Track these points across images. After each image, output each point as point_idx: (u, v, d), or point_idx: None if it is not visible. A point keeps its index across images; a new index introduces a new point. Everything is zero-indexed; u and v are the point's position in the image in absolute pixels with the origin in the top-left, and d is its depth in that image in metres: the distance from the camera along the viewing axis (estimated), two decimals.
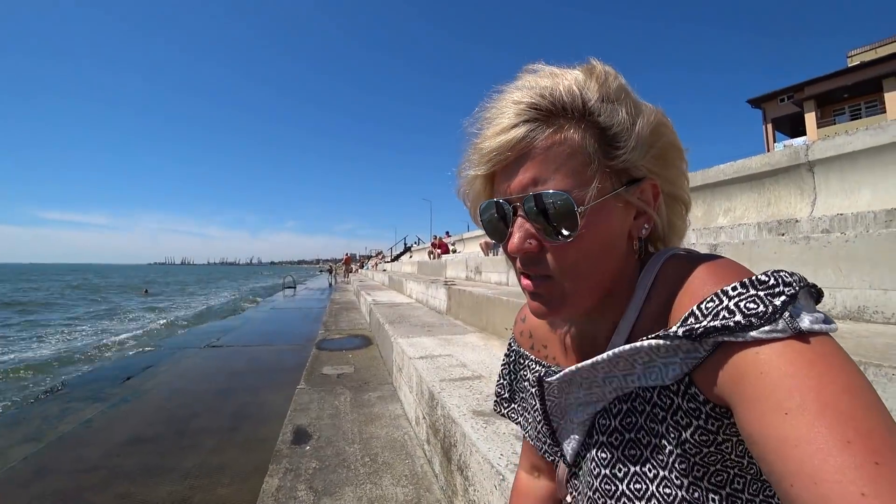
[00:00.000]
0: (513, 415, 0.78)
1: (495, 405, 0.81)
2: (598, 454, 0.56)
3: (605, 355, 0.50)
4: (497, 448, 1.72)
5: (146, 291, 35.27)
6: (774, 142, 28.13)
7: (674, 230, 0.60)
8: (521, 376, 0.75)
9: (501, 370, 0.80)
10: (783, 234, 3.32)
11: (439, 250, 17.24)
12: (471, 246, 15.23)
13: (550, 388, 0.61)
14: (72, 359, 8.39)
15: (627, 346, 0.47)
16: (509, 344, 0.80)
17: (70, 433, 3.94)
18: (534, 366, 0.71)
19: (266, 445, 3.17)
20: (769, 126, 30.05)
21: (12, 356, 9.35)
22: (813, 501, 0.32)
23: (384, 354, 5.49)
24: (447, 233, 20.70)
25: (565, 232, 0.49)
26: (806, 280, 0.43)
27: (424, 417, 2.81)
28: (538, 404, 0.65)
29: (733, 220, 4.18)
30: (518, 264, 0.55)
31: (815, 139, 4.00)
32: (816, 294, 0.44)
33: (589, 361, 0.52)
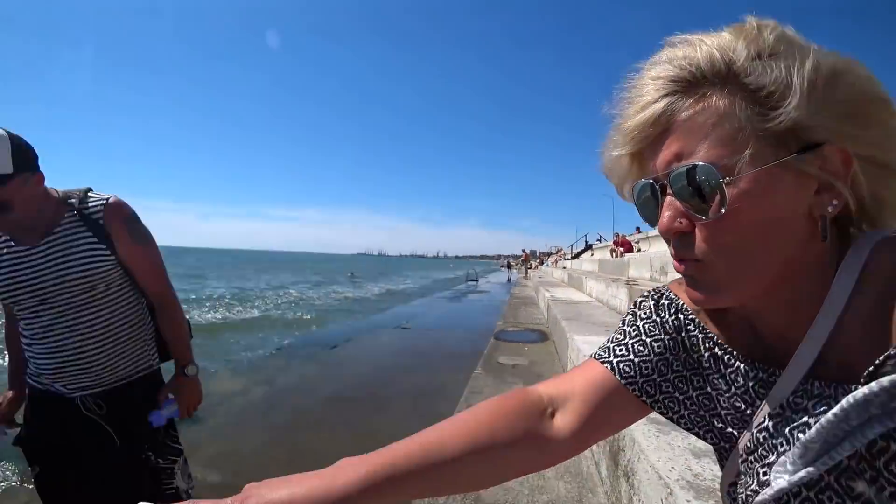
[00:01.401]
0: (648, 388, 0.60)
1: (610, 355, 0.63)
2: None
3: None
4: (669, 460, 1.59)
5: (352, 274, 41.12)
6: None
7: (886, 206, 0.46)
8: (698, 364, 0.60)
9: (641, 327, 0.64)
10: None
11: (622, 248, 16.29)
12: (657, 244, 14.05)
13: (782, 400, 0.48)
14: (296, 324, 10.15)
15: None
16: (659, 293, 0.66)
17: (292, 383, 4.86)
18: (716, 350, 0.58)
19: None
20: None
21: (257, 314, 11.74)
22: None
23: (559, 350, 5.43)
24: (637, 229, 19.27)
25: (713, 208, 0.43)
26: None
27: None
28: (733, 401, 0.55)
29: None
30: (671, 248, 0.50)
31: None
32: None
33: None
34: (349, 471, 0.51)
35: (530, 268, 37.28)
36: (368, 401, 4.23)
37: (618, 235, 18.96)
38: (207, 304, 16.29)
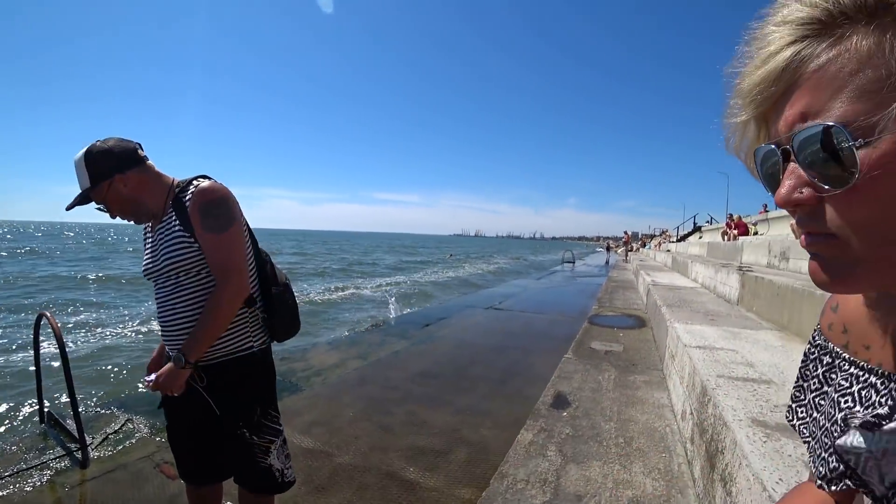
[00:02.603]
0: (804, 430, 0.58)
1: (788, 412, 0.63)
2: None
3: None
4: (776, 471, 1.40)
5: (451, 256, 42.48)
6: None
7: None
8: (828, 382, 0.56)
9: (800, 371, 0.62)
10: None
11: (735, 231, 14.81)
12: (777, 227, 12.58)
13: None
14: (392, 302, 10.57)
15: None
16: (812, 337, 0.60)
17: (384, 359, 5.01)
18: (848, 367, 0.52)
19: (528, 403, 3.36)
20: None
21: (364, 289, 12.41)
22: None
23: (657, 338, 5.11)
24: (765, 206, 17.25)
25: (841, 178, 0.35)
26: None
27: (692, 413, 2.50)
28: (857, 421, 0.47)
29: None
30: (795, 222, 0.42)
31: None
32: None
33: None
34: None
35: (631, 250, 35.47)
36: (455, 379, 4.26)
37: (731, 217, 17.31)
38: (313, 280, 17.52)
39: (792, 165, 0.39)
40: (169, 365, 1.46)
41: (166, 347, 1.61)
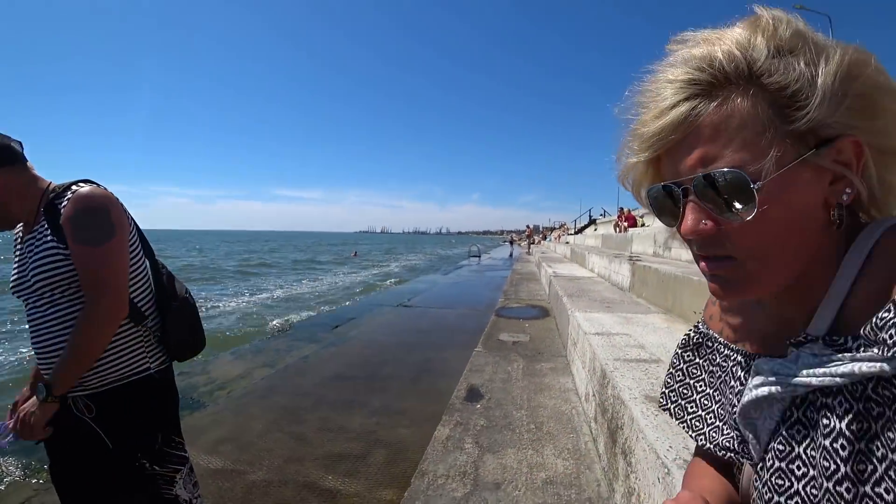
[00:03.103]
0: (679, 412, 0.69)
1: (662, 397, 0.73)
2: (787, 450, 0.48)
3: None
4: (667, 439, 1.57)
5: (355, 254, 41.15)
6: None
7: (893, 191, 0.47)
8: (708, 360, 0.68)
9: (673, 359, 0.72)
10: None
11: (626, 223, 16.15)
12: None
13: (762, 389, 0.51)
14: (297, 305, 10.19)
15: (867, 370, 0.40)
16: (696, 326, 0.72)
17: (292, 365, 4.84)
18: (722, 349, 0.64)
19: (442, 398, 3.43)
20: None
21: (262, 296, 11.79)
22: None
23: (560, 327, 5.43)
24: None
25: (743, 211, 0.43)
26: None
27: (594, 395, 2.71)
28: (737, 397, 0.57)
29: None
30: (694, 248, 0.50)
31: None
32: None
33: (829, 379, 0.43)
34: None
35: (533, 243, 37.24)
36: (369, 380, 4.23)
37: (622, 210, 18.79)
38: (209, 286, 16.39)
39: (692, 202, 0.46)
40: (32, 400, 1.28)
41: (43, 375, 1.39)
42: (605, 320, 3.79)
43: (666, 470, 1.39)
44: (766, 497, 0.48)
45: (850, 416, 0.41)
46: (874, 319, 0.39)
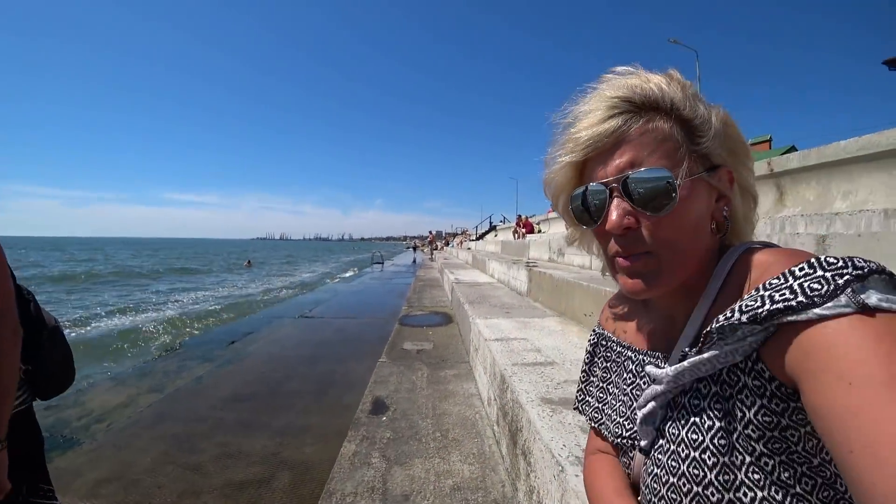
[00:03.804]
0: (585, 408, 0.79)
1: (576, 400, 0.84)
2: (669, 433, 0.58)
3: (704, 356, 0.51)
4: (560, 438, 1.70)
5: (248, 263, 38.46)
6: None
7: (747, 222, 0.63)
8: (603, 358, 0.78)
9: (584, 362, 0.83)
10: None
11: (524, 230, 16.99)
12: (556, 226, 14.84)
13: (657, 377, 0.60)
14: (187, 321, 9.42)
15: (707, 355, 0.50)
16: (594, 329, 0.83)
17: (184, 387, 4.45)
18: (615, 347, 0.75)
19: (348, 412, 3.36)
20: None
21: (150, 314, 10.72)
22: (871, 467, 0.34)
23: (463, 333, 5.57)
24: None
25: (664, 206, 0.53)
26: (885, 269, 0.43)
27: (495, 399, 2.83)
28: (630, 389, 0.69)
29: (854, 206, 3.67)
30: (612, 245, 0.58)
31: None
32: None
33: (693, 361, 0.52)
34: None
35: (436, 249, 37.71)
36: (270, 398, 4.02)
37: (520, 217, 19.70)
38: (74, 303, 14.63)
39: (618, 200, 0.55)
40: None
41: None
42: (505, 325, 3.97)
43: (560, 468, 1.50)
44: (663, 479, 0.56)
45: (713, 398, 0.52)
46: (722, 319, 0.48)
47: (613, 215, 0.55)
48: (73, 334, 8.58)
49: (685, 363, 0.52)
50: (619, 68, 0.59)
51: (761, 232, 3.34)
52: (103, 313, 11.74)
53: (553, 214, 16.72)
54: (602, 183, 0.56)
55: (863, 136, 3.71)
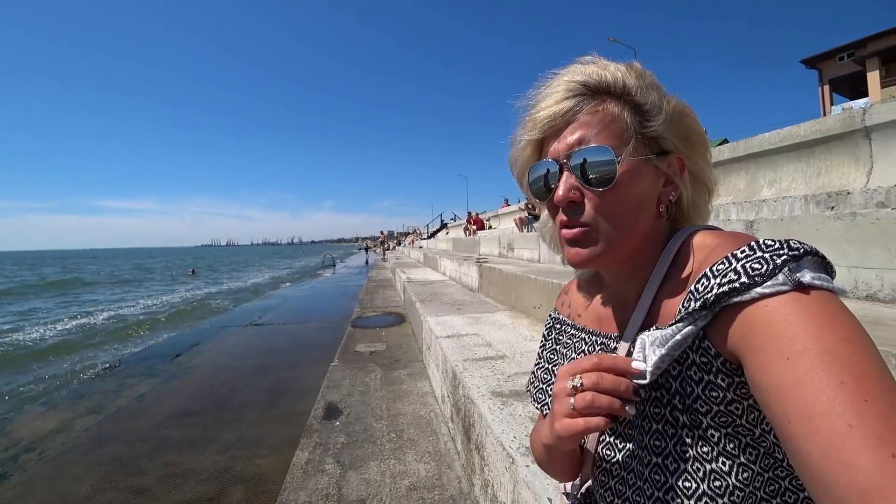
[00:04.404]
0: (540, 395, 0.80)
1: (528, 385, 0.88)
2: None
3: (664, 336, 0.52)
4: (511, 431, 1.71)
5: (193, 272, 36.87)
6: (832, 105, 26.05)
7: (697, 210, 0.66)
8: (554, 340, 0.82)
9: (539, 346, 0.85)
10: (833, 208, 3.11)
11: (475, 226, 17.15)
12: (506, 222, 15.09)
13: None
14: (128, 335, 8.91)
15: (671, 344, 0.51)
16: (549, 314, 0.86)
17: (125, 406, 4.19)
18: (569, 330, 0.78)
19: (301, 420, 3.28)
20: (826, 88, 27.79)
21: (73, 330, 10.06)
22: (806, 435, 0.37)
23: (416, 332, 5.56)
24: (506, 201, 20.63)
25: (605, 182, 0.57)
26: (818, 252, 0.47)
27: (448, 396, 2.84)
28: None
29: (778, 193, 3.94)
30: (560, 216, 0.61)
31: (879, 100, 3.68)
32: (829, 268, 0.48)
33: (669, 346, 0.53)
34: None
35: (388, 249, 37.47)
36: (219, 411, 3.86)
37: (470, 214, 19.86)
38: None
39: (567, 174, 0.59)
40: None
41: None
42: (456, 322, 3.99)
43: (511, 460, 1.52)
44: (621, 447, 0.62)
45: (666, 375, 0.55)
46: (682, 310, 0.51)
47: (561, 189, 0.59)
48: None
49: (662, 350, 0.53)
50: (585, 58, 0.63)
51: None
52: (27, 326, 10.93)
53: (503, 210, 16.97)
54: (554, 159, 0.60)
55: (783, 129, 3.97)
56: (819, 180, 3.66)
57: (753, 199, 4.00)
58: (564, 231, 0.61)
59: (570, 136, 0.59)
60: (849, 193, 3.04)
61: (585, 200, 0.59)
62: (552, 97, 0.60)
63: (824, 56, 27.90)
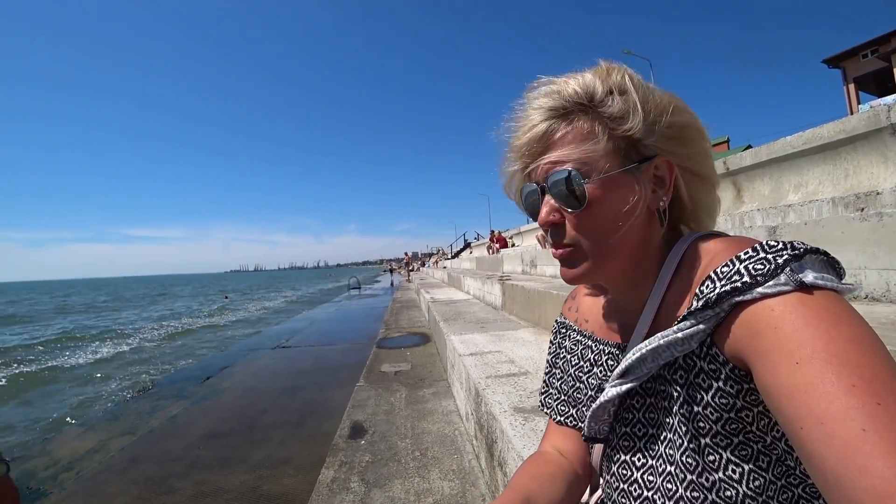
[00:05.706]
0: (549, 401, 0.81)
1: (539, 395, 0.85)
2: (623, 419, 0.62)
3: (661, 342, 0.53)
4: (532, 445, 1.70)
5: (226, 297, 37.90)
6: (858, 103, 25.28)
7: (701, 207, 0.64)
8: (564, 348, 0.81)
9: (548, 353, 0.86)
10: (862, 209, 3.02)
11: (497, 245, 17.11)
12: (528, 239, 15.00)
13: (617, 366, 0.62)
14: (161, 359, 9.13)
15: (669, 339, 0.51)
16: (556, 319, 0.86)
17: (158, 427, 4.30)
18: (575, 335, 0.79)
19: (327, 440, 3.30)
20: (851, 87, 27.01)
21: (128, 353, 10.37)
22: (820, 440, 0.36)
23: (440, 351, 5.54)
24: (529, 220, 20.63)
25: (576, 204, 0.58)
26: (822, 251, 0.47)
27: (472, 413, 2.82)
28: (586, 378, 0.73)
29: (805, 197, 3.84)
30: (549, 237, 0.63)
31: None
32: (836, 266, 0.48)
33: (653, 346, 0.54)
34: None
35: (412, 270, 37.64)
36: (248, 432, 3.92)
37: (493, 232, 19.85)
38: (40, 348, 14.06)
39: (547, 198, 0.60)
40: None
41: None
42: (479, 340, 3.97)
43: None
44: (629, 458, 0.61)
45: (673, 384, 0.54)
46: (684, 309, 0.52)
47: (543, 213, 0.61)
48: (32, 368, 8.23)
49: (644, 348, 0.54)
50: (543, 78, 0.63)
51: (721, 228, 3.48)
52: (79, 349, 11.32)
53: (525, 227, 16.92)
54: (536, 182, 0.62)
55: (806, 131, 3.89)
56: (847, 182, 3.56)
57: (779, 204, 3.91)
58: (553, 251, 0.63)
59: (546, 161, 0.59)
60: (878, 194, 2.95)
61: (566, 221, 0.60)
62: (525, 125, 0.61)
63: (847, 54, 27.16)
